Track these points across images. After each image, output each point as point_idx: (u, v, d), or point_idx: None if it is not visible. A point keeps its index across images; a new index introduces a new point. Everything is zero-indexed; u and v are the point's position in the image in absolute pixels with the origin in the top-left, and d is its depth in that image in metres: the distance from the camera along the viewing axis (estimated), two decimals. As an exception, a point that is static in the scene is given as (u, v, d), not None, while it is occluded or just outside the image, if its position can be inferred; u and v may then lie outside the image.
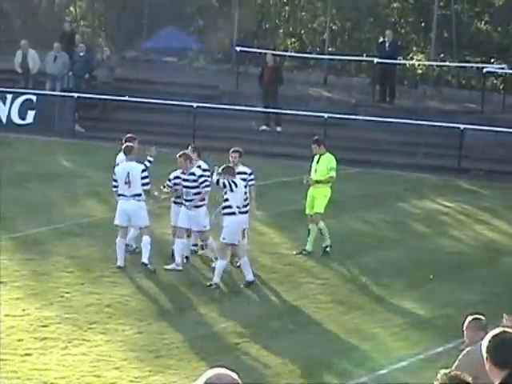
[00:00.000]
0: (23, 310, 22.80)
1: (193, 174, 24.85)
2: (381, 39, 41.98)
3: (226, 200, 24.27)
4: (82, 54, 42.92)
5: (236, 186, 24.23)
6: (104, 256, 26.64)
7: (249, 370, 19.18)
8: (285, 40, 46.73)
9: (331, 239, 27.24)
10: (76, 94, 40.59)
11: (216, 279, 23.94)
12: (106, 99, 40.74)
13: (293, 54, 45.52)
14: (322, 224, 26.38)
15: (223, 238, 24.15)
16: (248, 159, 34.06)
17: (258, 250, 27.73)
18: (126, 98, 39.97)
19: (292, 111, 39.49)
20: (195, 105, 39.18)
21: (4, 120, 40.38)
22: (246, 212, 25.08)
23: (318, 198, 26.58)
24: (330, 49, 44.56)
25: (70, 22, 46.88)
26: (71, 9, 50.20)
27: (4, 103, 40.36)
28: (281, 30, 47.35)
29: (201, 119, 39.21)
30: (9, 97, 40.42)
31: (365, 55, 42.40)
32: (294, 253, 27.02)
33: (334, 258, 27.02)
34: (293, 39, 47.12)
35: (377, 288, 25.05)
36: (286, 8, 48.05)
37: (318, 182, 26.58)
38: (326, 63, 44.84)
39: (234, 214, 24.42)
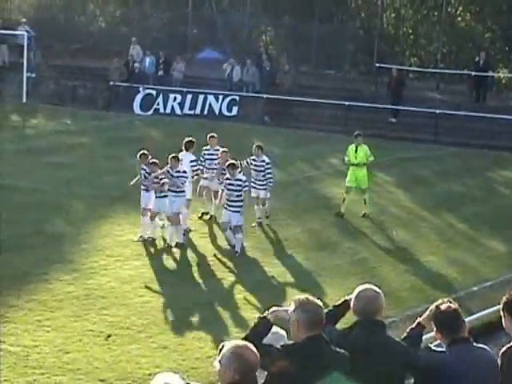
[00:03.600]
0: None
1: (179, 171, 22.11)
2: (476, 58, 41.79)
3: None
4: (267, 68, 44.82)
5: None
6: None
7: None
8: (410, 58, 47.73)
9: (443, 196, 28.41)
10: (265, 95, 41.40)
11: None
12: (286, 99, 41.62)
13: (414, 68, 46.44)
14: (366, 195, 25.78)
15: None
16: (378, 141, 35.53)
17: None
18: (295, 98, 41.48)
19: (414, 108, 39.59)
20: (347, 103, 39.77)
21: (217, 112, 41.38)
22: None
23: (362, 176, 25.52)
24: (441, 65, 45.32)
25: (262, 46, 48.61)
26: (263, 37, 50.98)
27: (217, 101, 41.44)
28: (407, 52, 48.50)
29: (351, 113, 39.77)
30: (220, 97, 41.45)
31: (466, 69, 43.30)
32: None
33: (441, 209, 27.29)
34: (415, 58, 48.24)
35: (472, 231, 25.26)
36: (411, 37, 49.03)
37: (358, 164, 25.36)
38: (438, 75, 45.27)
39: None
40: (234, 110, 41.60)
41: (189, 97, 41.94)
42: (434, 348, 8.66)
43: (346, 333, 8.39)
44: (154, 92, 42.39)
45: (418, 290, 19.84)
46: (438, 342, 8.64)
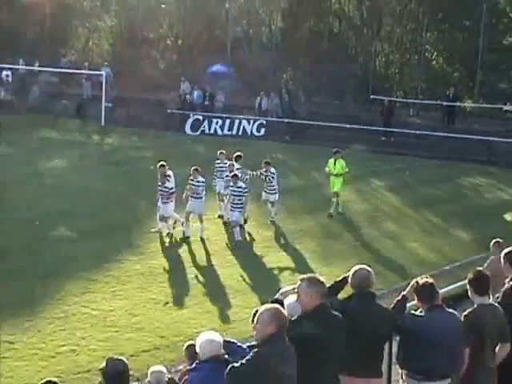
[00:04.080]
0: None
1: (166, 187, 21.36)
2: (447, 92, 41.76)
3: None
4: (287, 99, 44.79)
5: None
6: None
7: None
8: (396, 92, 47.50)
9: (423, 198, 28.44)
10: (286, 120, 41.40)
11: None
12: (302, 123, 41.01)
13: (400, 99, 46.14)
14: (339, 198, 24.97)
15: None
16: (373, 155, 35.44)
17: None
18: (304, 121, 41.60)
19: (400, 129, 39.43)
20: (348, 126, 39.46)
21: (249, 133, 41.28)
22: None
23: (339, 184, 24.76)
24: (420, 97, 44.32)
25: (283, 82, 48.76)
26: (284, 75, 50.95)
27: (249, 124, 41.33)
28: (394, 87, 48.44)
29: (351, 133, 39.48)
30: (251, 121, 41.34)
31: (439, 100, 42.38)
32: None
33: (421, 207, 27.88)
34: (400, 91, 47.95)
35: (445, 223, 25.15)
36: (397, 75, 48.56)
37: (336, 175, 24.69)
38: (419, 105, 44.66)
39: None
40: (262, 131, 41.43)
41: (227, 121, 41.97)
42: (414, 313, 8.74)
43: (345, 302, 8.48)
44: (200, 117, 42.46)
45: (402, 268, 19.80)
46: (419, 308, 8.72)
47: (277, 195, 23.75)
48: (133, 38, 53.59)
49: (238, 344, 7.97)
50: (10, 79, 47.92)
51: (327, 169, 25.13)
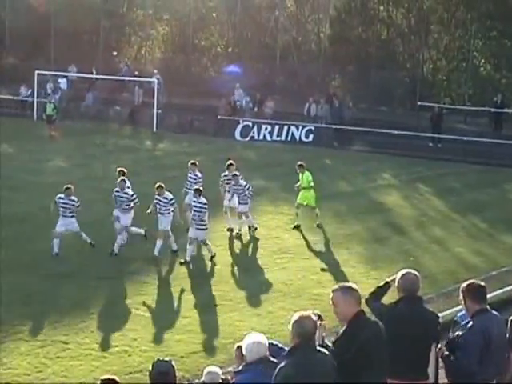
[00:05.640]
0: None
1: (126, 193, 20.09)
2: (495, 98, 41.30)
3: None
4: (336, 105, 44.63)
5: None
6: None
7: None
8: (443, 98, 46.76)
9: (469, 203, 28.00)
10: (334, 126, 41.08)
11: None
12: (350, 129, 40.48)
13: (447, 106, 45.21)
14: (317, 210, 23.74)
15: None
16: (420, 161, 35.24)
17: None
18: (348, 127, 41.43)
19: (447, 136, 38.97)
20: (395, 132, 38.80)
21: (297, 139, 40.90)
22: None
23: (310, 197, 23.50)
24: (468, 103, 43.90)
25: (332, 89, 48.34)
26: (332, 82, 50.60)
27: (297, 130, 40.96)
28: (442, 94, 47.98)
29: (398, 140, 38.63)
30: (300, 127, 40.99)
31: (486, 107, 41.53)
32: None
33: (467, 213, 27.94)
34: (447, 98, 47.26)
35: (491, 229, 24.78)
36: (445, 82, 48.09)
37: (305, 188, 23.44)
38: (466, 111, 43.88)
39: None
40: (311, 137, 41.19)
41: (276, 127, 41.90)
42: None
43: (393, 306, 8.41)
44: (250, 123, 42.47)
45: (449, 273, 19.66)
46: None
47: (246, 206, 22.57)
48: (184, 45, 53.86)
49: (280, 346, 7.95)
50: (65, 86, 48.42)
51: (299, 183, 23.71)
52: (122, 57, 55.66)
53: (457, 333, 8.44)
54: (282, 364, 7.06)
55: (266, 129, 42.11)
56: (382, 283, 8.76)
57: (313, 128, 41.47)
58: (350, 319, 7.64)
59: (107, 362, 13.73)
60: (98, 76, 48.09)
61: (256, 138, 42.01)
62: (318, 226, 23.57)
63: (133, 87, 47.30)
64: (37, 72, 45.42)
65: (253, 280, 18.68)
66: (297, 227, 23.37)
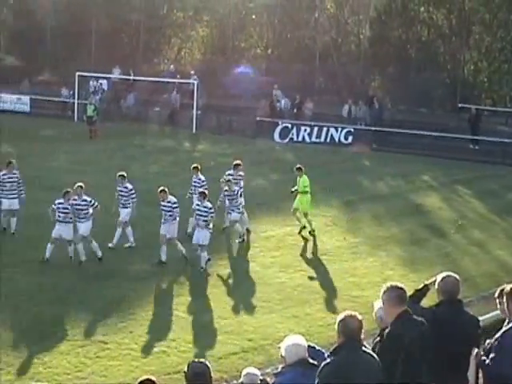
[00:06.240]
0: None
1: (85, 200, 18.87)
2: None
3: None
4: (376, 107, 44.50)
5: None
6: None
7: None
8: (485, 100, 46.60)
9: (509, 205, 27.67)
10: (373, 128, 40.78)
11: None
12: (389, 130, 40.38)
13: (488, 107, 44.96)
14: (309, 217, 22.87)
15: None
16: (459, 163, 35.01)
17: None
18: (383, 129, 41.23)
19: (487, 138, 38.53)
20: (435, 134, 38.60)
21: (336, 140, 40.67)
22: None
23: (305, 202, 22.75)
24: (509, 105, 44.46)
25: (371, 90, 48.41)
26: (372, 84, 50.73)
27: (336, 132, 40.63)
28: (483, 95, 47.64)
29: (438, 142, 38.40)
30: (339, 129, 40.74)
31: None
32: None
33: (507, 215, 27.70)
34: (489, 100, 46.89)
35: None
36: (486, 84, 47.55)
37: (300, 192, 22.68)
38: (507, 113, 43.80)
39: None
40: (350, 138, 41.01)
41: (315, 128, 41.81)
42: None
43: (433, 309, 8.35)
44: (289, 125, 42.42)
45: (489, 276, 19.47)
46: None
47: (238, 215, 21.85)
48: (224, 47, 54.05)
49: (317, 348, 7.96)
50: (105, 87, 48.79)
51: (295, 187, 23.05)
52: (162, 58, 55.92)
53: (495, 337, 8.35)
54: (326, 361, 7.08)
55: (305, 130, 42.07)
56: (420, 286, 8.70)
57: (352, 129, 41.34)
58: (395, 319, 7.62)
59: (146, 363, 13.79)
60: (136, 77, 48.33)
61: (295, 139, 41.97)
62: (310, 233, 22.60)
63: (171, 90, 47.41)
64: (77, 73, 45.75)
65: (291, 282, 18.64)
66: (302, 230, 22.83)
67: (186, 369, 7.29)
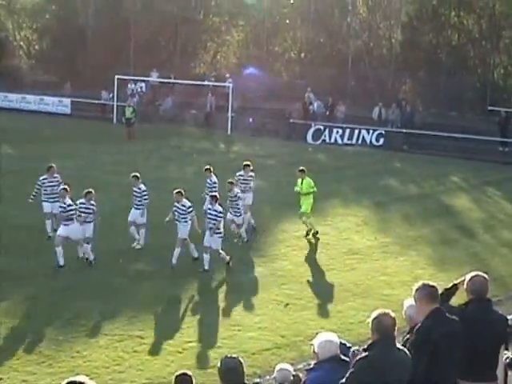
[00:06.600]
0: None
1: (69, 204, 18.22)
2: None
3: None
4: (407, 110, 44.23)
5: None
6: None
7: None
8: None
9: None
10: (404, 130, 40.61)
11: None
12: (419, 133, 40.10)
13: None
14: (311, 219, 22.51)
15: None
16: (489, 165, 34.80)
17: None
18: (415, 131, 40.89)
19: None
20: (465, 136, 38.58)
21: (368, 142, 40.61)
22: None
23: (308, 204, 22.11)
24: None
25: (402, 93, 48.32)
26: (403, 87, 50.30)
27: (368, 134, 40.57)
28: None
29: (468, 144, 38.39)
30: (371, 131, 40.71)
31: None
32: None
33: None
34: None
35: None
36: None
37: (304, 194, 21.95)
38: None
39: None
40: (381, 140, 40.87)
41: (347, 130, 41.71)
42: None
43: (462, 308, 8.30)
44: (322, 127, 42.37)
45: (518, 276, 19.30)
46: None
47: (241, 218, 21.31)
48: (258, 51, 54.07)
49: (348, 345, 7.96)
50: (143, 90, 49.08)
51: (296, 188, 22.23)
52: (198, 62, 56.12)
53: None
54: (362, 355, 7.10)
55: (337, 132, 42.01)
56: (449, 285, 8.67)
57: (383, 132, 41.17)
58: (426, 316, 7.61)
59: (181, 357, 13.83)
60: (174, 81, 48.54)
61: (327, 141, 41.92)
62: (313, 234, 22.29)
63: (206, 93, 47.51)
64: (117, 77, 46.08)
65: (323, 280, 18.64)
66: (308, 234, 22.34)
67: (219, 364, 7.32)
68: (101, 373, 13.13)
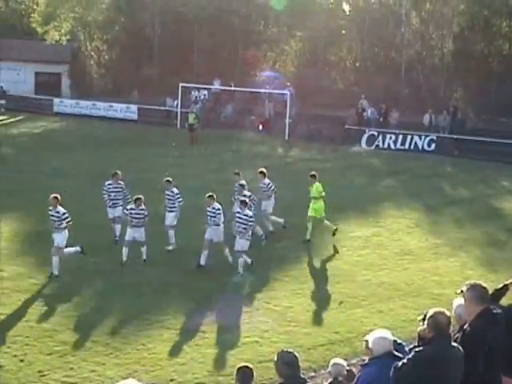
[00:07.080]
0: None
1: (58, 211, 17.31)
2: None
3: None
4: (458, 116, 43.60)
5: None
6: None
7: None
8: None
9: None
10: (455, 136, 40.15)
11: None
12: (470, 139, 39.42)
13: None
14: (326, 221, 21.78)
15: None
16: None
17: None
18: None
19: None
20: (509, 141, 39.70)
21: (420, 148, 40.08)
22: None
23: (319, 208, 21.39)
24: None
25: (454, 100, 47.69)
26: (455, 94, 49.91)
27: (420, 139, 40.18)
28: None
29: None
30: (423, 137, 40.23)
31: None
32: None
33: None
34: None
35: None
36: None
37: (314, 198, 21.28)
38: None
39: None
40: (433, 146, 40.42)
41: (400, 136, 41.41)
42: None
43: (510, 308, 8.19)
44: (375, 133, 42.14)
45: None
46: None
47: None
48: (315, 60, 54.04)
49: (399, 342, 7.91)
50: (206, 97, 49.40)
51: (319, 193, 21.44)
52: (258, 71, 56.31)
53: None
54: (418, 349, 7.11)
55: (390, 138, 41.73)
56: (500, 286, 8.56)
57: (435, 137, 40.75)
58: (476, 316, 7.51)
59: (240, 351, 13.86)
60: (235, 88, 48.75)
61: (381, 146, 41.67)
62: (333, 233, 21.73)
63: (263, 101, 47.62)
64: (181, 85, 46.47)
65: (376, 279, 18.51)
66: (307, 240, 21.52)
67: (275, 358, 7.32)
68: (164, 365, 13.22)
